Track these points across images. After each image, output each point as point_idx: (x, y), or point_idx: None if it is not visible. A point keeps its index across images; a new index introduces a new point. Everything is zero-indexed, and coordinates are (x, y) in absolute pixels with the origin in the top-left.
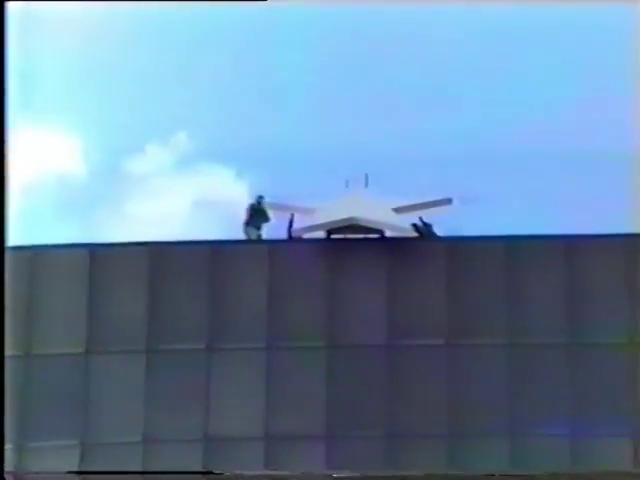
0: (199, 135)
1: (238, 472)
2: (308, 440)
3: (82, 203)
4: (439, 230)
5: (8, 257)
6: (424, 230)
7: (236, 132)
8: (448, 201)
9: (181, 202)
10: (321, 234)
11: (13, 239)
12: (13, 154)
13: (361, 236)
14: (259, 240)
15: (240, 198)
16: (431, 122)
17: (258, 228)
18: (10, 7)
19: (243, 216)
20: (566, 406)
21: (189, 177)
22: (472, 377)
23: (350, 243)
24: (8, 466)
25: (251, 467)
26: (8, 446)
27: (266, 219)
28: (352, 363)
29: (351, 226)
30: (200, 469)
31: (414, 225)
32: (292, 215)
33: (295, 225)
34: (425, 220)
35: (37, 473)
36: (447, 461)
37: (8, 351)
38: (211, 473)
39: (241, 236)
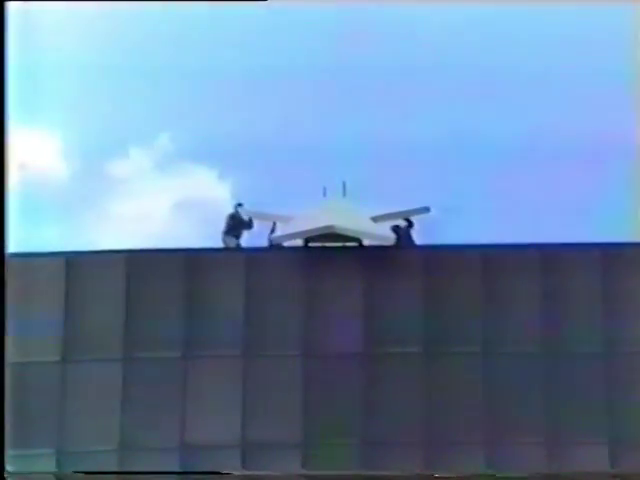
0: (182, 137)
1: (246, 473)
2: (284, 447)
3: (64, 204)
4: (417, 238)
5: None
6: (404, 233)
7: (218, 134)
8: (426, 210)
9: (163, 203)
10: (299, 242)
11: None
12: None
13: (339, 244)
14: (236, 248)
15: (222, 199)
16: (417, 124)
17: (237, 237)
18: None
19: (224, 219)
20: (541, 414)
21: (171, 178)
22: (448, 385)
23: (327, 251)
24: None
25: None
26: None
27: (248, 226)
28: (328, 371)
29: (329, 234)
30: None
31: (395, 227)
32: (274, 224)
33: (274, 233)
34: (404, 225)
35: (37, 473)
36: (423, 468)
37: None
38: (216, 473)
39: (221, 240)
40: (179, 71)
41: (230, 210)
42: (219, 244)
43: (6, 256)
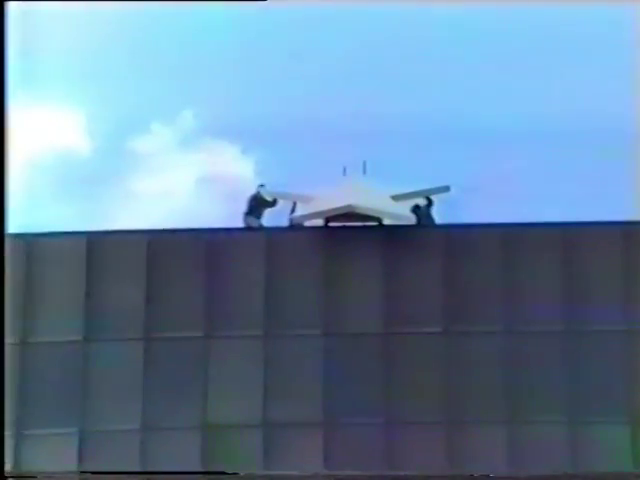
0: (205, 113)
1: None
2: (306, 427)
3: (87, 180)
4: (437, 217)
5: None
6: (424, 212)
7: (241, 110)
8: (446, 189)
9: (186, 179)
10: (319, 222)
11: (17, 217)
12: (16, 133)
13: (359, 224)
14: (256, 228)
15: (245, 175)
16: (428, 106)
17: (259, 217)
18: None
19: (246, 199)
20: (563, 393)
21: (194, 154)
22: (468, 364)
23: (348, 231)
24: (7, 456)
25: (250, 454)
26: (9, 432)
27: (272, 205)
28: (349, 351)
29: (349, 214)
30: (198, 456)
31: (415, 207)
32: (294, 203)
33: (294, 213)
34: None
35: (38, 473)
36: (445, 448)
37: (6, 339)
38: (213, 473)
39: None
40: (201, 48)
41: (253, 188)
42: (241, 221)
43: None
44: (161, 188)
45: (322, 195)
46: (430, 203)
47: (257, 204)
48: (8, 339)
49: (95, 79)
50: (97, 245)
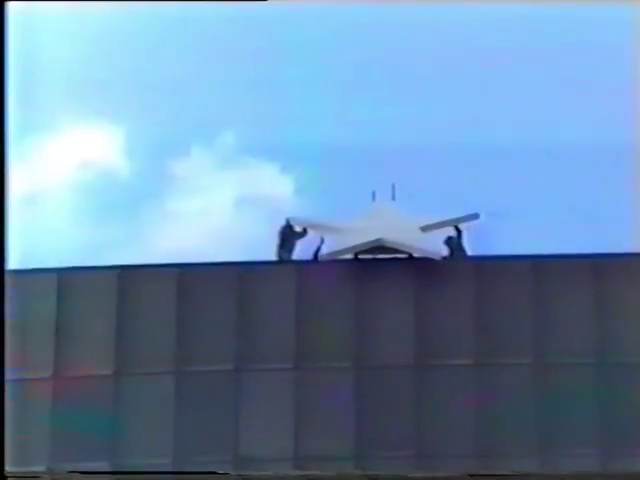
0: (244, 132)
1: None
2: (337, 460)
3: (126, 201)
4: (467, 247)
5: (34, 279)
6: (456, 244)
7: (280, 131)
8: (475, 216)
9: (225, 198)
10: (348, 255)
11: (55, 239)
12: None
13: (388, 256)
14: (286, 261)
15: (285, 193)
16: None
17: (291, 249)
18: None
19: (285, 214)
20: (596, 426)
21: (233, 173)
22: (500, 396)
23: (377, 263)
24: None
25: None
26: (40, 468)
27: (301, 236)
28: (380, 383)
29: (379, 246)
30: None
31: (448, 239)
32: (322, 239)
33: (323, 249)
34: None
35: (39, 473)
36: None
37: (38, 373)
38: (210, 473)
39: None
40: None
41: (292, 206)
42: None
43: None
44: (200, 208)
45: (351, 227)
46: (460, 233)
47: (287, 236)
48: (39, 373)
49: (135, 99)
50: (128, 279)
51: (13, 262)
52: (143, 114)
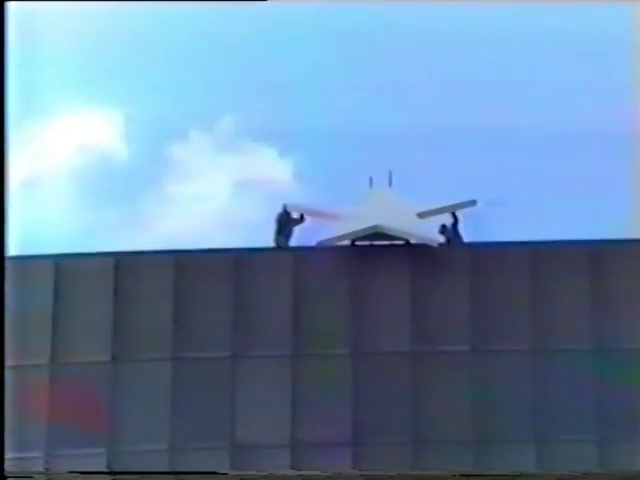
0: (242, 117)
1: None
2: (334, 447)
3: (125, 185)
4: (464, 233)
5: (31, 266)
6: (451, 232)
7: (278, 111)
8: (472, 203)
9: (223, 182)
10: (345, 241)
11: (56, 221)
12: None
13: (386, 242)
14: (283, 247)
15: (283, 177)
16: (447, 115)
17: (288, 236)
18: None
19: (284, 198)
20: (593, 412)
21: (231, 157)
22: (497, 383)
23: (374, 250)
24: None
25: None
26: (38, 454)
27: (299, 222)
28: (377, 370)
29: (376, 233)
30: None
31: (442, 227)
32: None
33: (321, 235)
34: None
35: (39, 473)
36: (472, 467)
37: (34, 360)
38: (208, 473)
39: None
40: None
41: (291, 190)
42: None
43: (6, 257)
44: (199, 191)
45: (348, 213)
46: (456, 220)
47: (285, 222)
48: (36, 360)
49: (133, 83)
50: (125, 265)
51: (12, 247)
52: (142, 98)
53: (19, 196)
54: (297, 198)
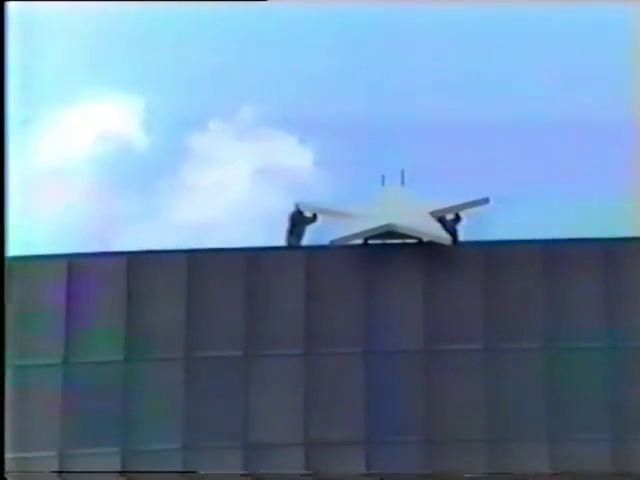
0: (262, 106)
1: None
2: (347, 446)
3: (144, 174)
4: (474, 231)
5: (44, 265)
6: (450, 228)
7: (298, 100)
8: (485, 201)
9: (243, 170)
10: (358, 240)
11: (76, 211)
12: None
13: (398, 241)
14: (296, 247)
15: (303, 165)
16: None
17: (300, 234)
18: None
19: (303, 187)
20: (606, 410)
21: (250, 145)
22: (509, 381)
23: (387, 249)
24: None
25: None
26: (51, 453)
27: (312, 221)
28: (390, 368)
29: (388, 232)
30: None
31: (440, 219)
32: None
33: (334, 234)
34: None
35: (39, 472)
36: (486, 466)
37: (46, 359)
38: (227, 473)
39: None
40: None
41: (311, 177)
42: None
43: (6, 257)
44: (218, 179)
45: (360, 212)
46: (458, 219)
47: (297, 222)
48: (50, 359)
49: (154, 73)
50: (137, 264)
51: (30, 237)
52: (160, 87)
53: (38, 184)
54: (317, 186)
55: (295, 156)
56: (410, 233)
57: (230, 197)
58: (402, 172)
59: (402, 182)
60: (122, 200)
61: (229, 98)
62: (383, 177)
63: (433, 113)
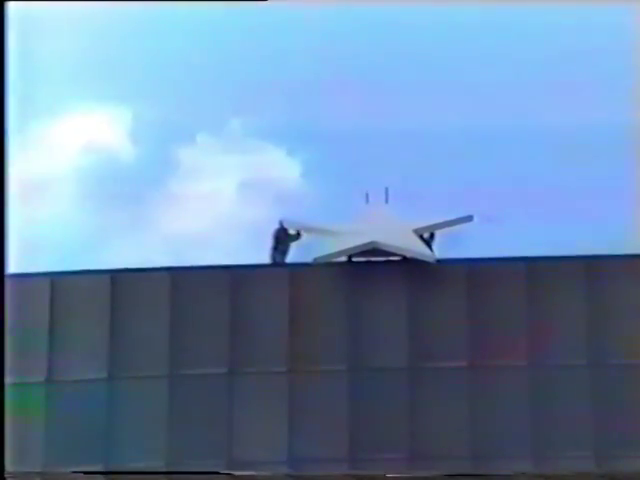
0: (250, 119)
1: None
2: (331, 463)
3: (131, 186)
4: (458, 249)
5: (28, 283)
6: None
7: (285, 111)
8: (469, 218)
9: (230, 182)
10: (342, 258)
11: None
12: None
13: (382, 259)
14: (280, 264)
15: (291, 177)
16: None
17: (284, 252)
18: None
19: (290, 199)
20: (590, 428)
21: (238, 157)
22: (494, 398)
23: (371, 266)
24: None
25: None
26: (35, 469)
27: (296, 238)
28: (374, 386)
29: (372, 249)
30: None
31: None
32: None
33: (318, 251)
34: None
35: (39, 473)
36: None
37: (31, 377)
38: (208, 473)
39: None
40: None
41: (299, 189)
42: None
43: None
44: (205, 191)
45: (344, 229)
46: (432, 237)
47: (282, 239)
48: (34, 377)
49: (142, 85)
50: (120, 282)
51: (17, 249)
52: (149, 99)
53: (24, 196)
54: (304, 198)
55: (282, 168)
56: (394, 250)
57: (217, 209)
58: (386, 190)
59: (386, 200)
60: (109, 211)
61: (217, 110)
62: (367, 194)
63: (422, 127)
